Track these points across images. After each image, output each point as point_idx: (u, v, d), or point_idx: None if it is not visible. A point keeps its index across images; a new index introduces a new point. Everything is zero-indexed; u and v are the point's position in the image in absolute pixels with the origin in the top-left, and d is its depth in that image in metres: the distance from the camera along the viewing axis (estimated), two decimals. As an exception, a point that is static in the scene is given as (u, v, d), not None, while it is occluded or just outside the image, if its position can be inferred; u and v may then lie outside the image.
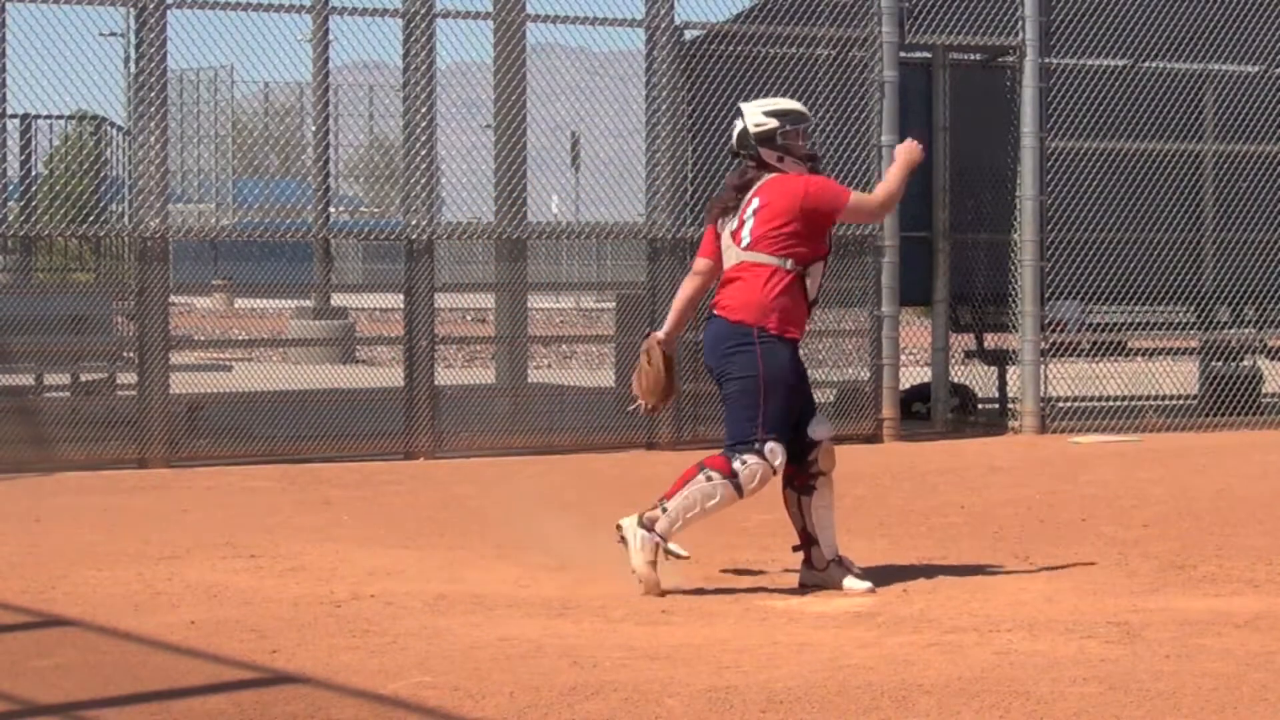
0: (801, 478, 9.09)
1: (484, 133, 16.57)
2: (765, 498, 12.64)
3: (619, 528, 8.94)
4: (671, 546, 8.88)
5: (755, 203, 8.98)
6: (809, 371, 16.33)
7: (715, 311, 9.07)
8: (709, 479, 8.86)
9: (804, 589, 9.05)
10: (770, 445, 8.83)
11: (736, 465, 8.83)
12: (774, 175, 9.03)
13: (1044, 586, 9.08)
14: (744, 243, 8.96)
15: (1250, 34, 17.48)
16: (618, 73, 16.65)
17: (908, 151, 9.25)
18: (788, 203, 8.92)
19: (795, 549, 9.22)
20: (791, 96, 16.02)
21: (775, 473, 8.88)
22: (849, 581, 9.04)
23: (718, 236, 9.13)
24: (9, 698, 6.67)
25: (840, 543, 10.54)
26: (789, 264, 8.90)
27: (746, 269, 8.96)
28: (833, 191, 9.05)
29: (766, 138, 9.04)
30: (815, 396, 14.66)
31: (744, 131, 9.08)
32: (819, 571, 9.11)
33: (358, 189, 32.45)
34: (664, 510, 8.87)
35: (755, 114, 9.09)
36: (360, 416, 15.34)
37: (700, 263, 9.28)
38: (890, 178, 9.24)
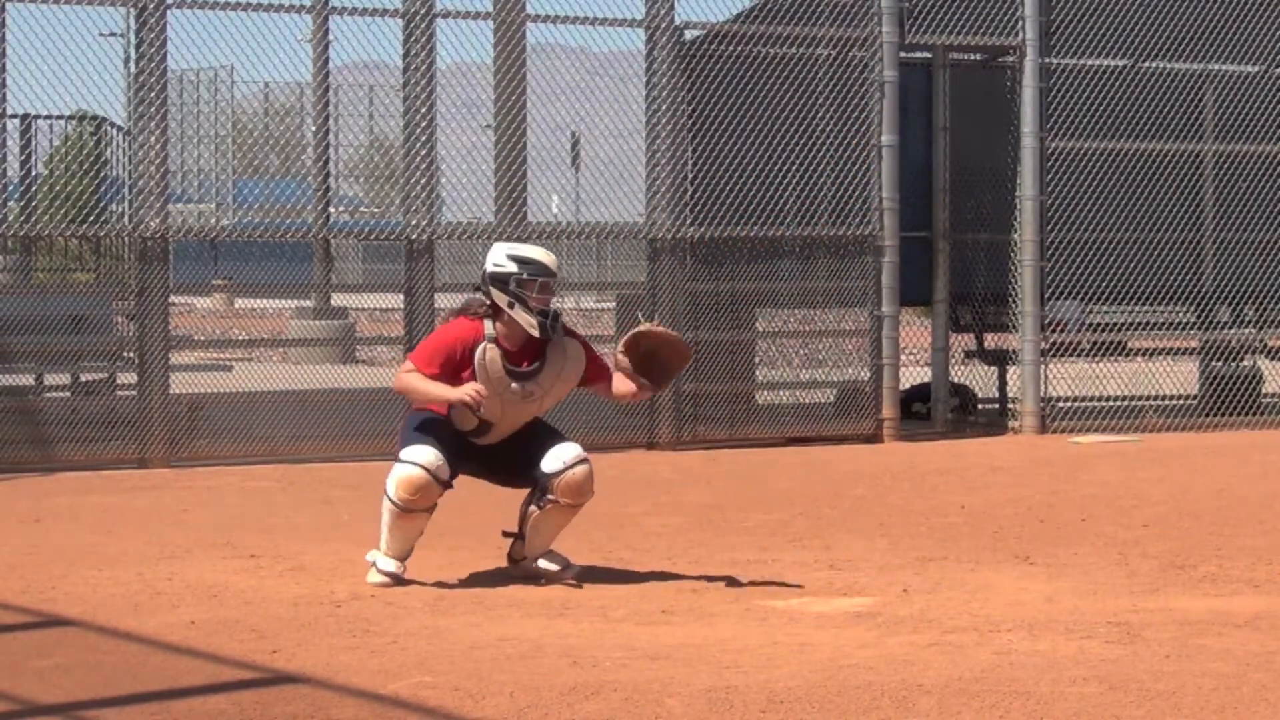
0: (539, 496, 9.14)
1: (484, 133, 16.57)
2: (765, 498, 12.64)
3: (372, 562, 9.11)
4: (375, 558, 9.10)
5: None
6: (810, 372, 16.52)
7: None
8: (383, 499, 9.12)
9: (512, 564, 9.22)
10: (405, 451, 9.08)
11: (386, 482, 9.11)
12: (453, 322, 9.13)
13: (1044, 586, 9.08)
14: None
15: (1250, 34, 17.47)
16: (618, 73, 16.64)
17: (462, 398, 8.96)
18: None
19: (505, 534, 9.33)
20: (791, 96, 16.09)
21: (418, 465, 8.98)
22: (542, 564, 9.16)
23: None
24: (9, 698, 6.67)
25: (841, 542, 10.57)
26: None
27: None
28: (419, 350, 9.19)
29: (501, 280, 8.96)
30: (815, 396, 14.78)
31: (483, 274, 9.04)
32: (513, 563, 9.29)
33: (358, 189, 32.44)
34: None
35: (499, 254, 9.03)
36: (360, 416, 15.33)
37: None
38: (436, 389, 9.04)
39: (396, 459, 9.08)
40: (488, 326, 9.01)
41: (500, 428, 9.09)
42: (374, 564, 9.05)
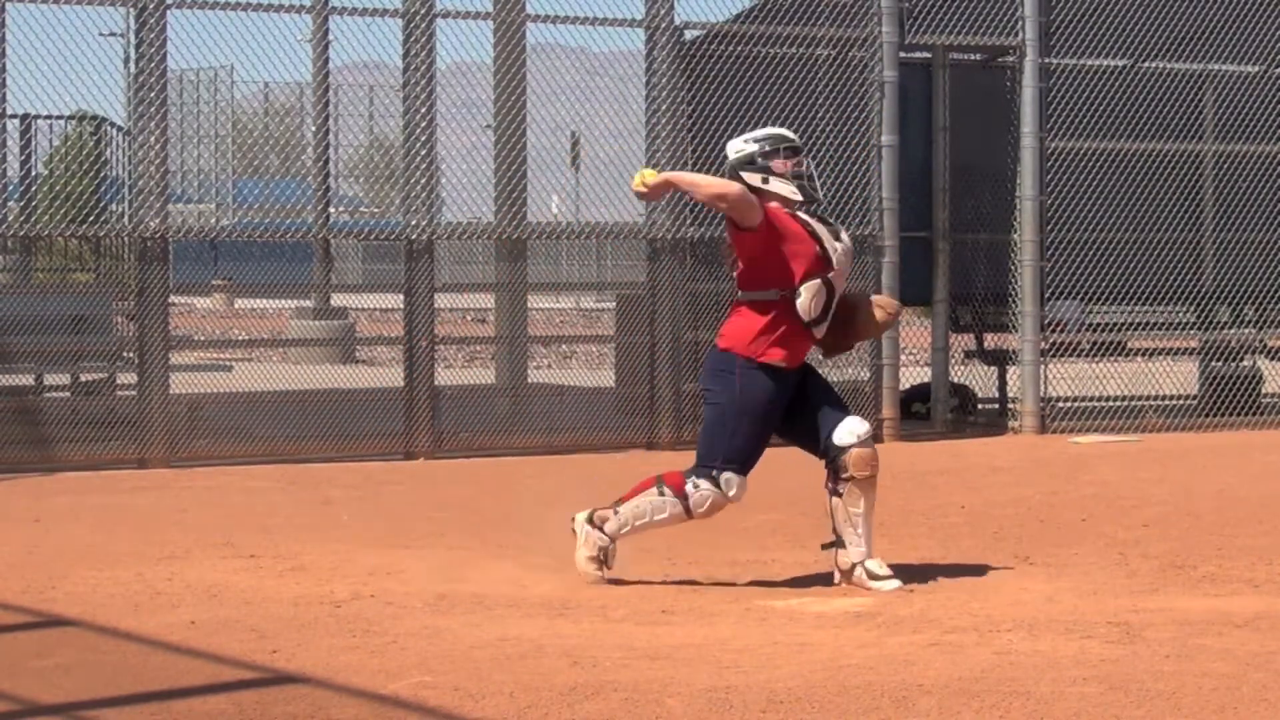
0: (831, 480, 9.11)
1: (484, 133, 16.57)
2: (765, 498, 12.65)
3: (573, 520, 9.08)
4: (598, 541, 9.00)
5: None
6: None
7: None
8: (661, 494, 8.97)
9: (837, 585, 9.10)
10: (727, 476, 8.91)
11: (689, 488, 8.93)
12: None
13: (1044, 586, 9.08)
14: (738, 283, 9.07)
15: (1250, 34, 17.48)
16: (618, 73, 16.64)
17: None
18: (731, 239, 9.00)
19: (824, 546, 9.23)
20: (791, 96, 16.10)
21: (729, 501, 8.94)
22: (873, 585, 9.04)
23: None
24: (9, 698, 6.67)
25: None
26: (773, 293, 8.92)
27: (740, 306, 9.02)
28: (731, 195, 8.91)
29: (746, 162, 9.05)
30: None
31: (728, 165, 9.10)
32: (842, 571, 9.13)
33: (358, 189, 32.44)
34: (615, 513, 9.00)
35: (734, 144, 9.16)
36: (360, 416, 15.34)
37: None
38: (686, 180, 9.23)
39: (713, 471, 8.87)
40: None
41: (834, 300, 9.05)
42: (607, 546, 8.93)
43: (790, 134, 9.22)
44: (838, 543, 9.18)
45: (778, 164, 9.03)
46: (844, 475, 9.07)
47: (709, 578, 9.32)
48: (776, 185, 9.02)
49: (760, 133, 9.20)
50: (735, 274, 9.05)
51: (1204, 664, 7.25)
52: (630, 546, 10.05)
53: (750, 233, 8.86)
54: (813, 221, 9.07)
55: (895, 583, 9.04)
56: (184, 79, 22.45)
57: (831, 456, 9.05)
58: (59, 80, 14.77)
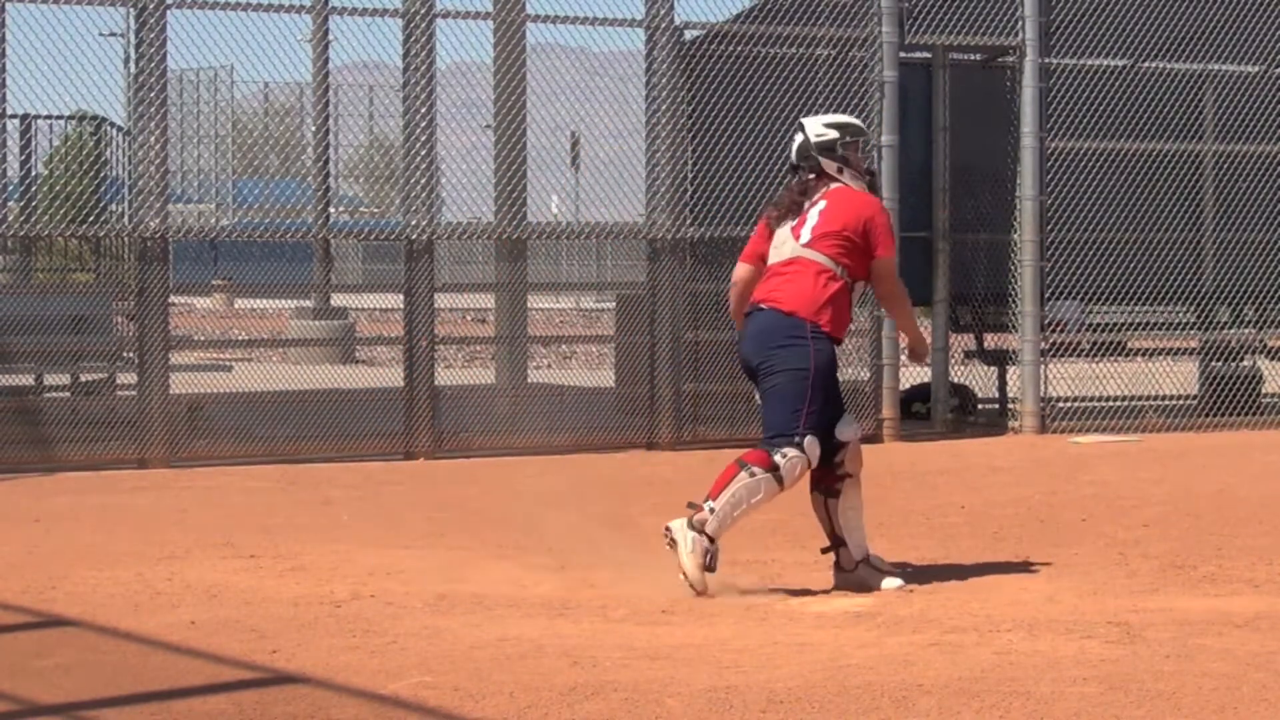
0: (828, 480, 9.12)
1: (484, 133, 16.57)
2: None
3: (668, 530, 8.88)
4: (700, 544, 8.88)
5: (822, 204, 9.12)
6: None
7: (763, 304, 9.05)
8: (752, 475, 8.87)
9: (837, 589, 9.09)
10: (809, 439, 8.89)
11: (778, 459, 8.86)
12: (842, 185, 9.18)
13: (1044, 586, 9.08)
14: (804, 239, 9.07)
15: (1250, 34, 17.47)
16: (618, 73, 16.64)
17: (917, 344, 9.46)
18: (854, 215, 9.08)
19: (824, 550, 9.25)
20: (791, 96, 16.10)
21: (812, 466, 8.93)
22: (884, 581, 9.06)
23: (769, 236, 9.24)
24: (9, 698, 6.67)
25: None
26: (842, 271, 9.04)
27: (801, 264, 9.04)
28: (889, 238, 9.18)
29: (827, 148, 9.22)
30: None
31: (804, 143, 9.25)
32: (848, 573, 9.14)
33: (358, 189, 32.45)
34: (711, 511, 8.85)
35: (816, 126, 9.30)
36: (360, 416, 15.34)
37: (741, 269, 9.35)
38: (908, 316, 9.51)
39: (794, 439, 8.84)
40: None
41: None
42: (710, 549, 8.79)
43: (863, 124, 9.52)
44: (837, 544, 9.17)
45: (854, 157, 9.25)
46: (840, 472, 9.06)
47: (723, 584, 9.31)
48: (849, 179, 9.21)
49: (840, 119, 9.40)
50: (810, 230, 9.06)
51: (1204, 664, 7.25)
52: (628, 548, 10.05)
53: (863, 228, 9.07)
54: None
55: (899, 580, 9.06)
56: (184, 79, 22.46)
57: (833, 449, 9.03)
58: (59, 80, 14.78)
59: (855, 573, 9.13)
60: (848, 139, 9.24)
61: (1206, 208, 17.51)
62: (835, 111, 16.11)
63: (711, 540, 8.79)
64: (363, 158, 30.25)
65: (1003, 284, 16.95)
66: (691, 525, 8.84)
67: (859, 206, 9.09)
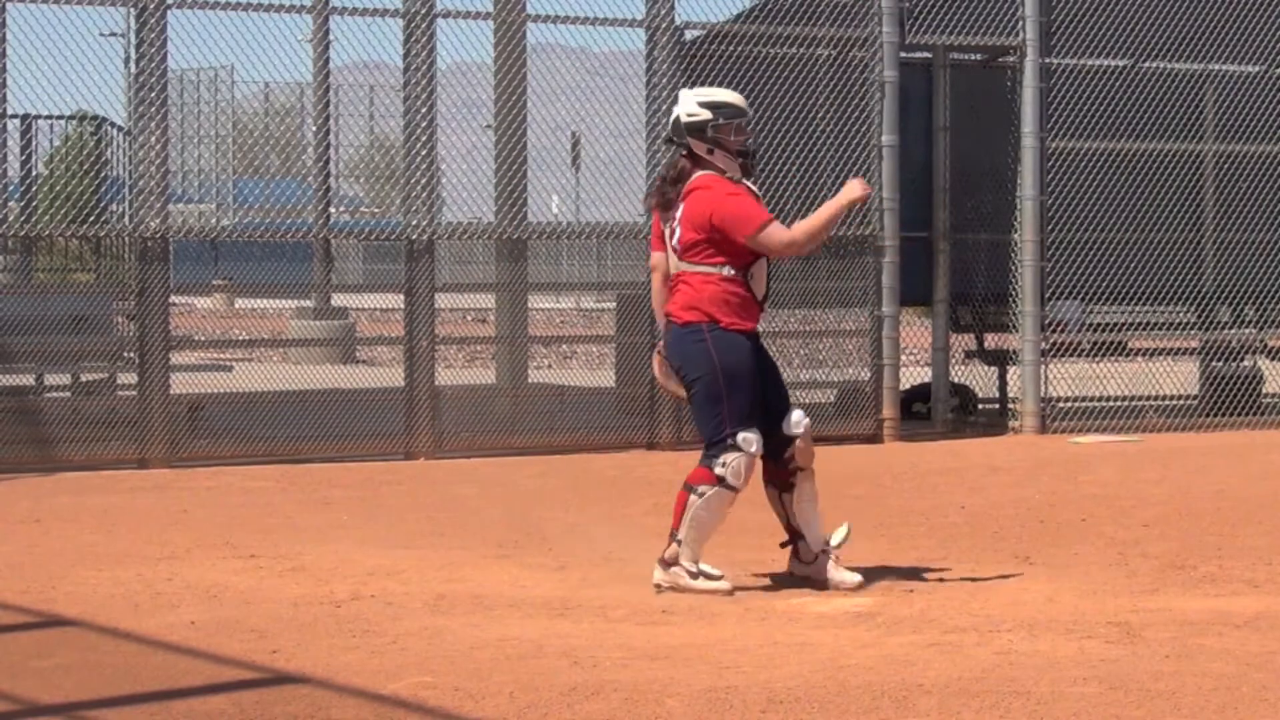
0: (781, 474, 9.10)
1: (484, 133, 16.57)
2: (763, 499, 12.64)
3: (658, 586, 8.89)
4: (704, 567, 8.91)
5: (680, 210, 8.94)
6: (810, 372, 16.52)
7: (668, 315, 9.02)
8: (700, 495, 8.90)
9: (793, 577, 9.12)
10: (742, 435, 8.84)
11: (718, 470, 8.88)
12: (699, 178, 8.91)
13: (1044, 586, 9.08)
14: (678, 252, 8.93)
15: (1250, 34, 17.47)
16: (618, 73, 16.64)
17: (849, 190, 8.94)
18: (702, 219, 8.86)
19: (783, 545, 9.24)
20: (791, 97, 16.09)
21: (756, 457, 8.87)
22: (836, 574, 9.05)
23: (663, 232, 9.08)
24: (10, 698, 6.67)
25: (840, 543, 10.55)
26: (722, 268, 8.87)
27: (685, 278, 8.94)
28: (743, 218, 8.82)
29: (698, 128, 8.93)
30: (816, 396, 14.65)
31: (677, 119, 8.98)
32: (806, 564, 9.13)
33: (358, 189, 32.44)
34: (679, 542, 8.89)
35: (690, 103, 8.99)
36: (360, 416, 15.34)
37: (655, 257, 9.16)
38: (818, 214, 8.99)
39: (726, 440, 8.81)
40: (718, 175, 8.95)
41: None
42: (698, 575, 8.81)
43: (743, 102, 9.08)
44: (795, 537, 9.15)
45: (728, 139, 8.93)
46: (791, 466, 9.03)
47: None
48: (721, 160, 8.93)
49: (716, 97, 9.05)
50: (676, 245, 8.90)
51: (1204, 664, 7.25)
52: (628, 548, 10.06)
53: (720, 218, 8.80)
54: (758, 195, 9.01)
55: (858, 577, 9.04)
56: (184, 79, 22.45)
57: (781, 444, 8.98)
58: (59, 80, 14.78)
59: (814, 564, 9.11)
60: (720, 120, 8.91)
61: (1207, 208, 17.51)
62: (835, 111, 16.15)
63: (695, 562, 8.86)
64: (363, 158, 30.24)
65: (1003, 284, 16.95)
66: (664, 561, 8.89)
67: (702, 207, 8.83)
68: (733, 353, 8.86)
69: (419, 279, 15.23)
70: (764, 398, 9.01)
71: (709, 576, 8.89)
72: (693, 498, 8.89)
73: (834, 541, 9.15)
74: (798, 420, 9.08)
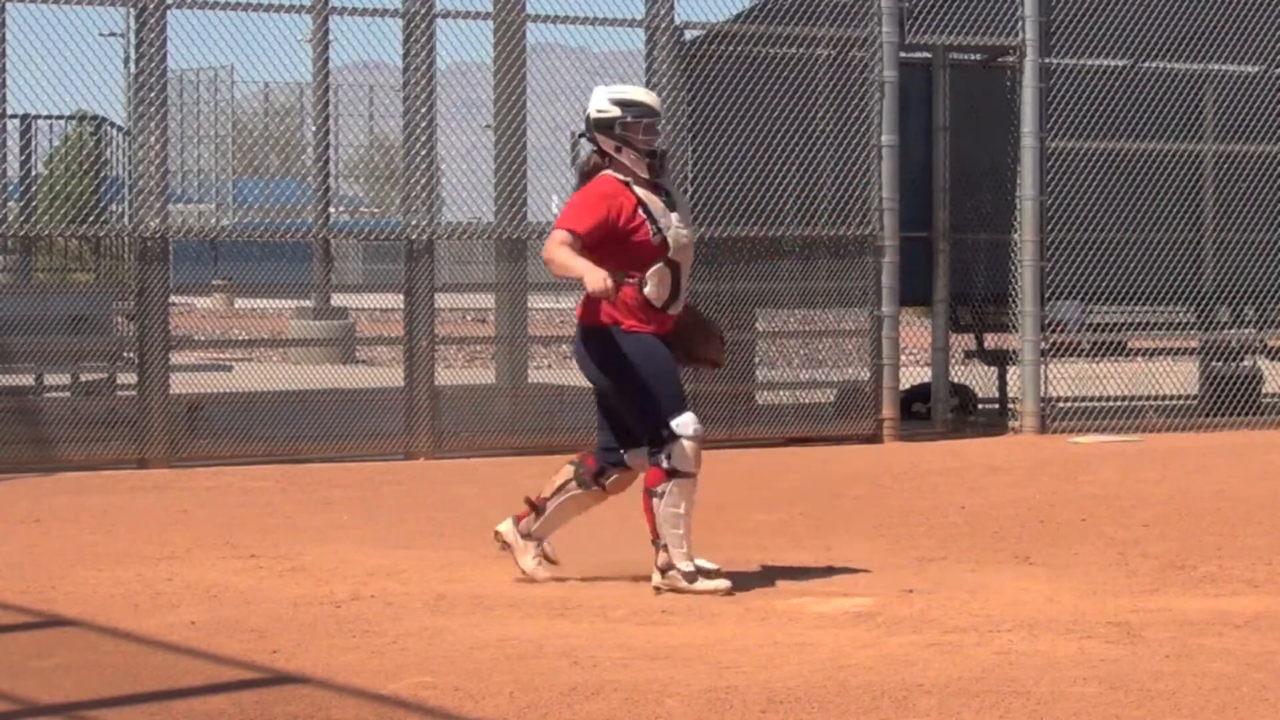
0: (597, 487, 9.10)
1: (484, 133, 16.57)
2: (765, 498, 12.63)
3: (657, 589, 8.86)
4: (700, 563, 8.88)
5: None
6: (810, 372, 16.52)
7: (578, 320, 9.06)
8: (660, 495, 8.87)
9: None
10: (675, 422, 8.79)
11: (666, 465, 8.84)
12: (600, 178, 8.89)
13: (1044, 586, 9.07)
14: None
15: (1250, 34, 17.47)
16: (618, 73, 16.64)
17: (592, 280, 8.59)
18: None
19: (527, 501, 9.20)
20: (791, 96, 16.09)
21: (696, 437, 8.81)
22: (524, 562, 9.03)
23: None
24: (9, 698, 6.67)
25: (841, 542, 10.56)
26: (619, 275, 8.75)
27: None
28: (565, 214, 8.82)
29: (606, 125, 8.90)
30: (815, 396, 14.58)
31: (588, 115, 8.97)
32: (524, 534, 9.13)
33: (358, 189, 32.43)
34: (665, 548, 8.87)
35: (601, 99, 8.96)
36: (360, 416, 15.33)
37: None
38: (576, 263, 8.66)
39: (664, 433, 8.76)
40: (616, 176, 8.88)
41: (681, 280, 8.90)
42: (694, 575, 8.77)
43: (656, 102, 9.00)
44: (536, 510, 9.13)
45: (636, 138, 8.87)
46: (666, 467, 8.88)
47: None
48: (628, 158, 8.87)
49: (627, 95, 9.00)
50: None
51: (1204, 664, 7.24)
52: (628, 548, 10.06)
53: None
54: (650, 199, 8.86)
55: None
56: (184, 79, 22.44)
57: (616, 464, 8.97)
58: (59, 80, 14.78)
59: (526, 540, 9.10)
60: (629, 119, 8.84)
61: (1206, 208, 17.51)
62: (835, 111, 16.15)
63: (691, 561, 8.83)
64: (363, 158, 30.23)
65: (1003, 284, 16.95)
66: (660, 569, 8.88)
67: (575, 195, 8.85)
68: (641, 342, 8.81)
69: (419, 279, 15.22)
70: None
71: (706, 574, 8.88)
72: (655, 500, 8.89)
73: (502, 529, 9.09)
74: (640, 459, 8.97)
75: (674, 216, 8.92)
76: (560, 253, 8.71)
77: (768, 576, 9.39)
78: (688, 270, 9.00)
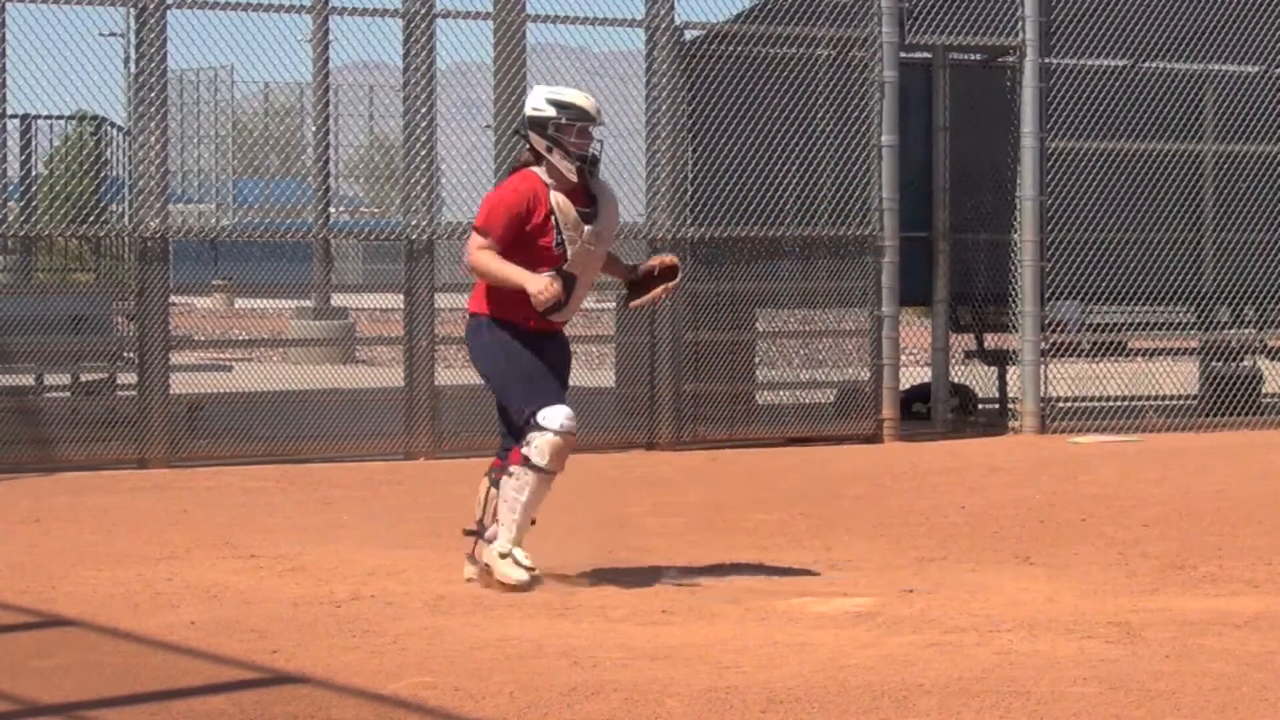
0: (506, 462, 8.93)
1: (484, 133, 16.57)
2: (765, 499, 12.65)
3: (471, 579, 8.89)
4: (517, 552, 8.78)
5: None
6: (810, 372, 16.51)
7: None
8: (511, 474, 8.78)
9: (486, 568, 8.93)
10: (542, 413, 8.71)
11: (524, 451, 8.75)
12: (520, 173, 8.88)
13: (1044, 586, 9.07)
14: None
15: (1250, 34, 17.47)
16: (618, 73, 16.64)
17: (534, 283, 8.61)
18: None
19: (466, 532, 9.08)
20: (791, 96, 16.10)
21: (562, 432, 8.73)
22: (501, 568, 8.85)
23: None
24: (9, 698, 6.67)
25: (841, 542, 10.56)
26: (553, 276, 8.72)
27: None
28: (481, 211, 8.80)
29: (539, 124, 8.84)
30: (815, 396, 14.59)
31: (522, 119, 8.94)
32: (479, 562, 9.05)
33: (358, 189, 32.43)
34: (500, 524, 8.81)
35: (538, 98, 8.93)
36: (360, 416, 15.33)
37: None
38: (509, 271, 8.66)
39: (530, 423, 8.69)
40: (540, 174, 8.84)
41: (577, 291, 8.84)
42: (508, 555, 8.71)
43: (593, 107, 8.92)
44: (479, 534, 9.01)
45: (570, 141, 8.81)
46: (523, 454, 8.77)
47: (709, 578, 9.31)
48: (558, 160, 8.81)
49: (565, 98, 8.94)
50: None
51: (1204, 664, 7.24)
52: (628, 548, 10.05)
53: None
54: (565, 207, 8.80)
55: (524, 576, 8.77)
56: (184, 79, 22.44)
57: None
58: (59, 80, 14.78)
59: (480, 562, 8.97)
60: (563, 120, 8.79)
61: (1206, 208, 17.51)
62: (835, 111, 16.15)
63: (505, 546, 8.73)
64: (363, 158, 30.24)
65: (1003, 284, 16.95)
66: (477, 534, 8.84)
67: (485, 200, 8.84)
68: (499, 344, 8.78)
69: (419, 279, 15.23)
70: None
71: (517, 563, 8.73)
72: (504, 479, 8.81)
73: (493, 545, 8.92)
74: (559, 415, 8.83)
75: (588, 229, 8.83)
76: (490, 262, 8.69)
77: (768, 576, 9.39)
78: (587, 283, 8.92)
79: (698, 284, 15.95)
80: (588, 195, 8.91)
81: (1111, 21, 17.07)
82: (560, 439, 8.74)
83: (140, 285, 14.58)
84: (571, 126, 8.81)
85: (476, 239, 8.78)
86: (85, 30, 14.81)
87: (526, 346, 8.79)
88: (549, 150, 8.83)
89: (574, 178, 8.83)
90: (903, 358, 16.98)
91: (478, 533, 9.04)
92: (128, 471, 14.15)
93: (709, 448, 15.63)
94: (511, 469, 8.80)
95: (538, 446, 8.73)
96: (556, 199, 8.81)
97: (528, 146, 8.94)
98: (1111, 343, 17.63)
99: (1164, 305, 17.69)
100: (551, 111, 8.83)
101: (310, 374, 17.61)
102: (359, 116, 27.72)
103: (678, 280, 9.14)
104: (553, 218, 8.79)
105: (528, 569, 8.75)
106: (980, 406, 17.62)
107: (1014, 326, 16.90)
